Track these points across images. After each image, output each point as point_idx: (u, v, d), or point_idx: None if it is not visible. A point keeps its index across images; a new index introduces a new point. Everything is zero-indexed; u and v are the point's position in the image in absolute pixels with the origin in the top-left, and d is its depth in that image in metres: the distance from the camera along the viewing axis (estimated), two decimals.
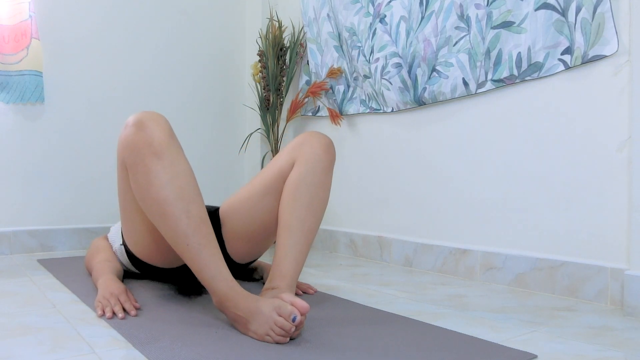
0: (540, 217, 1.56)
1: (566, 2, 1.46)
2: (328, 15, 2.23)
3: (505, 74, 1.62)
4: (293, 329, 0.98)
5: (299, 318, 0.98)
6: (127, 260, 1.48)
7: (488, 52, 1.64)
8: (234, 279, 1.08)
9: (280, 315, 0.98)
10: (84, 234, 2.24)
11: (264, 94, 2.44)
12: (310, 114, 2.42)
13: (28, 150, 2.14)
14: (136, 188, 1.15)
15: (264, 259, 1.76)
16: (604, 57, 1.40)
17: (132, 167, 1.14)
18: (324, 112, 2.34)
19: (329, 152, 1.31)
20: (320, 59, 2.31)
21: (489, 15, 1.63)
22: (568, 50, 1.47)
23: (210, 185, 2.58)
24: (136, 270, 1.51)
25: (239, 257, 1.43)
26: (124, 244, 1.45)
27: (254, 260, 1.50)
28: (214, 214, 1.42)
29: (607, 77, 1.41)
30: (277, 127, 2.47)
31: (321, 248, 2.33)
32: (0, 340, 1.01)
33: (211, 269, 1.07)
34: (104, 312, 1.17)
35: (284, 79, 2.45)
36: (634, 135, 1.32)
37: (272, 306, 1.00)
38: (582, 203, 1.47)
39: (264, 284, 1.45)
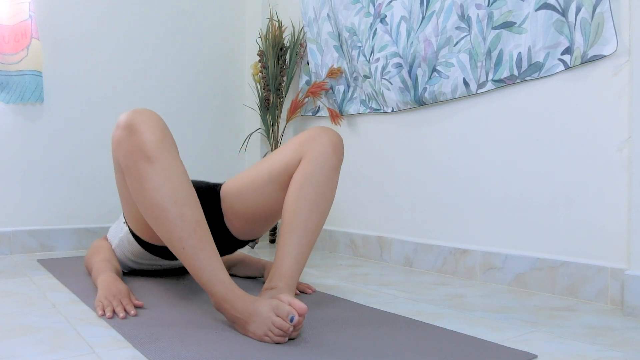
0: (540, 217, 1.56)
1: (566, 2, 1.45)
2: (328, 15, 2.23)
3: (505, 74, 1.62)
4: (291, 329, 0.98)
5: (296, 318, 0.97)
6: (135, 243, 1.45)
7: (489, 53, 1.64)
8: (231, 281, 1.08)
9: (278, 316, 0.98)
10: (84, 234, 2.23)
11: (264, 94, 2.44)
12: (311, 114, 2.42)
13: (28, 150, 2.14)
14: (131, 191, 1.15)
15: (265, 258, 1.75)
16: (603, 57, 1.40)
17: (125, 171, 1.14)
18: (324, 112, 2.34)
19: (338, 150, 1.28)
20: (320, 59, 2.31)
21: (490, 16, 1.63)
22: (568, 50, 1.47)
23: None
24: (136, 262, 1.52)
25: (236, 232, 1.44)
26: (129, 230, 1.45)
27: (254, 240, 1.49)
28: (213, 189, 1.43)
29: (607, 77, 1.41)
30: (277, 127, 2.47)
31: (321, 248, 2.33)
32: (0, 340, 1.01)
33: (207, 271, 1.07)
34: (104, 312, 1.17)
35: (284, 79, 2.45)
36: (634, 135, 1.32)
37: (269, 307, 1.00)
38: (582, 203, 1.47)
39: (264, 283, 1.45)
